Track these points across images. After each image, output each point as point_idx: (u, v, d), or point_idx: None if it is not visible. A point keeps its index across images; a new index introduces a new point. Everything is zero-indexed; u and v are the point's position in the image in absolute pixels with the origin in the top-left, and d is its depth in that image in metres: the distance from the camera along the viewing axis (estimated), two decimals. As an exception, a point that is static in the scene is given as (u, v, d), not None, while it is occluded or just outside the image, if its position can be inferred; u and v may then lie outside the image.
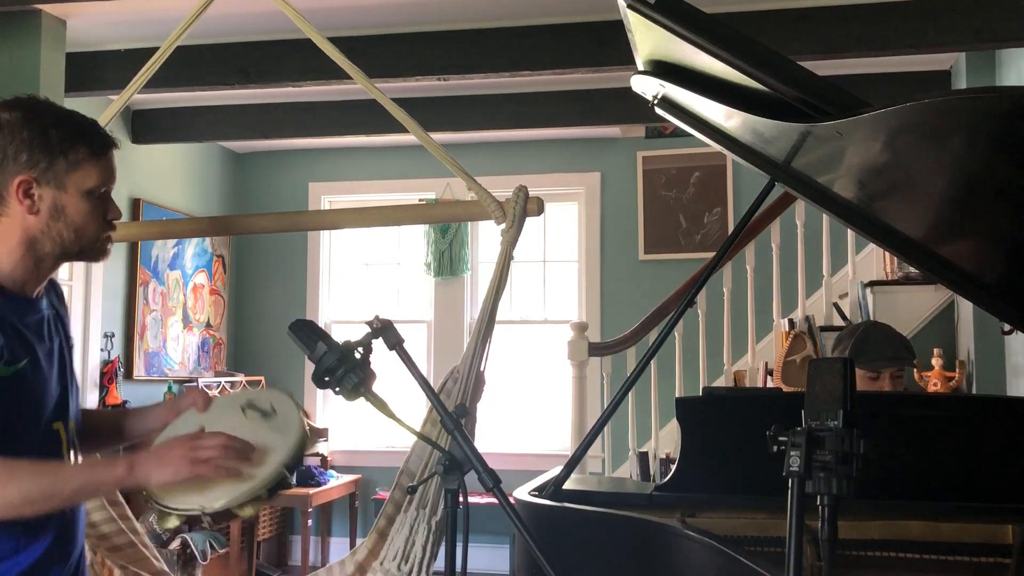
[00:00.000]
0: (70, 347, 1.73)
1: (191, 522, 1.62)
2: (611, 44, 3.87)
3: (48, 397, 1.61)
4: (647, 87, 2.28)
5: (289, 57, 4.18)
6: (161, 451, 1.58)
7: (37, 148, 1.58)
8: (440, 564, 1.62)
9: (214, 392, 5.75)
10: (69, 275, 4.93)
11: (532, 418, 6.24)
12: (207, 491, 1.58)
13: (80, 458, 1.69)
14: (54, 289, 1.75)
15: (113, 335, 5.37)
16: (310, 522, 5.51)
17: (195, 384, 5.74)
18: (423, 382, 1.55)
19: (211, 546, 5.14)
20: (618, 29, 2.20)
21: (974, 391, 4.24)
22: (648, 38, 2.03)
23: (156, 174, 5.76)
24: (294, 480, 5.53)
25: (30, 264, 1.61)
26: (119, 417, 1.85)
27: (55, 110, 1.64)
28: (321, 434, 6.20)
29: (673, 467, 2.23)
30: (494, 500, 1.49)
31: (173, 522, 1.61)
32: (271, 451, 1.64)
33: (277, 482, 1.62)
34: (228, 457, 1.56)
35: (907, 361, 2.87)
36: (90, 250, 1.65)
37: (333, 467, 6.22)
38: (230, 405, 1.77)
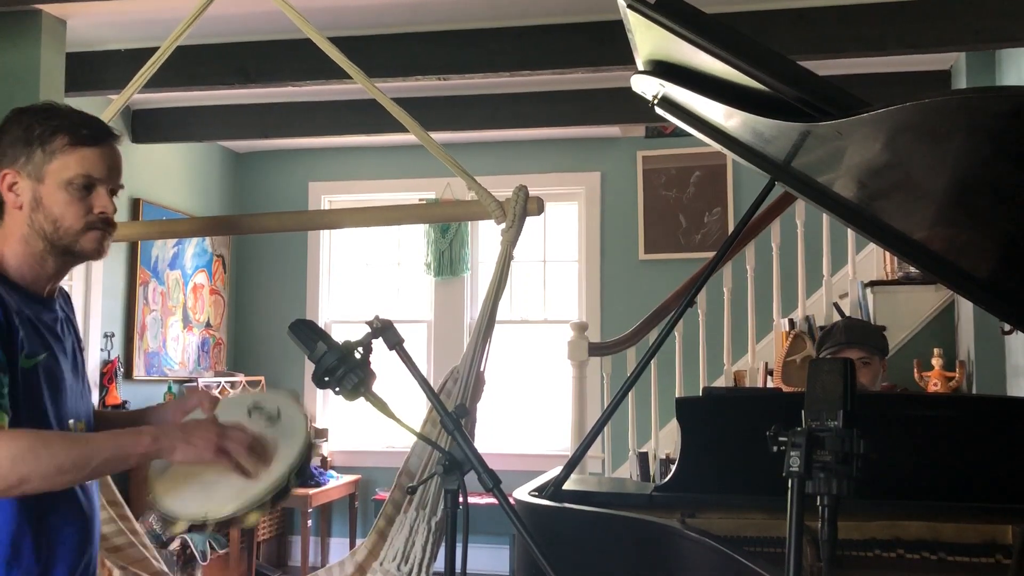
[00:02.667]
0: (81, 349, 1.75)
1: (195, 527, 1.60)
2: (611, 44, 3.87)
3: (66, 393, 1.62)
4: (647, 87, 2.28)
5: (289, 57, 4.18)
6: (189, 428, 1.57)
7: (20, 142, 1.59)
8: (440, 564, 1.62)
9: (215, 392, 5.76)
10: (69, 275, 4.92)
11: (532, 418, 6.24)
12: (212, 496, 1.57)
13: None
14: (63, 295, 1.76)
15: (113, 335, 5.37)
16: (310, 522, 5.51)
17: (195, 384, 5.73)
18: (423, 382, 1.55)
19: (211, 546, 5.14)
20: (618, 29, 2.20)
21: (974, 391, 4.24)
22: (648, 38, 2.03)
23: (156, 174, 5.76)
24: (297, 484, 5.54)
25: (32, 263, 1.62)
26: (128, 418, 1.84)
27: (50, 109, 1.63)
28: (321, 435, 6.20)
29: (673, 467, 2.23)
30: (494, 500, 1.49)
31: (180, 527, 1.60)
32: (276, 457, 1.64)
33: (282, 489, 1.62)
34: (249, 456, 1.56)
35: (867, 348, 2.86)
36: (75, 244, 1.61)
37: (333, 467, 6.22)
38: (236, 406, 1.77)
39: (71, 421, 1.64)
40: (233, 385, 6.03)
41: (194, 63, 4.23)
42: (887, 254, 4.62)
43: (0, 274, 1.59)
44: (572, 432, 4.46)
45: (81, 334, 1.79)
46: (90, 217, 1.61)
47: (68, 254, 1.63)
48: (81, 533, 1.63)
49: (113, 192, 1.66)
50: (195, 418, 1.74)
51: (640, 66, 2.21)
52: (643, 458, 4.52)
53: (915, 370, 4.25)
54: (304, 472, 1.65)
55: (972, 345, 4.26)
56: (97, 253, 1.65)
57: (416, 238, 6.47)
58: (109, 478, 1.97)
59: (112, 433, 1.57)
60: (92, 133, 1.62)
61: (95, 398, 5.14)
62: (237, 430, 1.59)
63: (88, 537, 1.66)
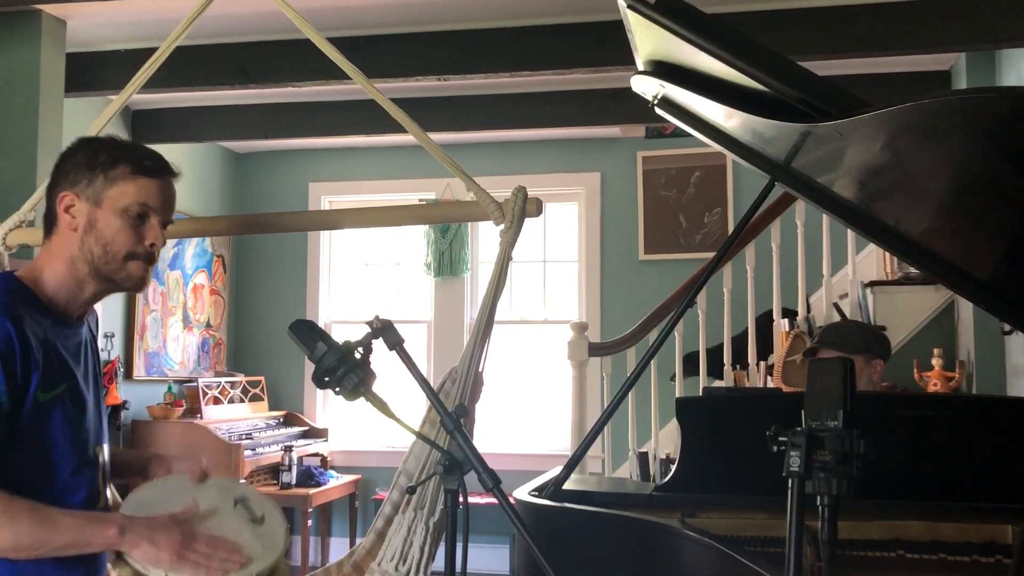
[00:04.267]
0: (100, 371, 1.76)
1: None
2: (611, 44, 3.87)
3: (88, 421, 1.63)
4: (647, 87, 2.28)
5: (289, 57, 4.18)
6: (156, 530, 1.57)
7: (83, 167, 1.64)
8: (440, 564, 1.62)
9: (216, 393, 5.75)
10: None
11: (532, 418, 6.24)
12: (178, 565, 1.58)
13: (108, 488, 1.71)
14: (92, 313, 1.77)
15: (113, 335, 5.37)
16: (310, 522, 5.51)
17: (195, 384, 5.74)
18: (423, 382, 1.55)
19: (211, 546, 5.13)
20: (618, 29, 2.20)
21: (974, 391, 4.24)
22: (648, 38, 2.03)
23: (156, 174, 5.75)
24: (293, 472, 5.55)
25: (72, 285, 1.64)
26: (143, 461, 1.87)
27: (118, 142, 1.69)
28: (321, 435, 6.20)
29: (673, 467, 2.23)
30: (494, 500, 1.49)
31: (124, 572, 1.60)
32: (250, 561, 1.64)
33: None
34: (212, 567, 1.56)
35: (838, 348, 2.83)
36: (119, 272, 1.63)
37: (333, 467, 6.22)
38: (224, 491, 1.77)
39: (97, 447, 1.65)
40: (233, 385, 6.03)
41: (194, 63, 4.23)
42: (887, 254, 4.62)
43: (34, 296, 1.60)
44: (572, 432, 4.46)
45: (98, 347, 1.80)
46: (139, 247, 1.64)
47: (109, 282, 1.65)
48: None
49: (164, 225, 1.69)
50: (177, 485, 1.75)
51: (640, 66, 2.21)
52: (643, 458, 4.52)
53: (915, 370, 4.25)
54: None
55: (972, 345, 4.26)
56: (140, 283, 1.67)
57: (416, 238, 6.47)
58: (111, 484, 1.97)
59: (82, 519, 1.56)
60: (154, 165, 1.67)
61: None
62: (209, 543, 1.58)
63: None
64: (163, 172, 1.68)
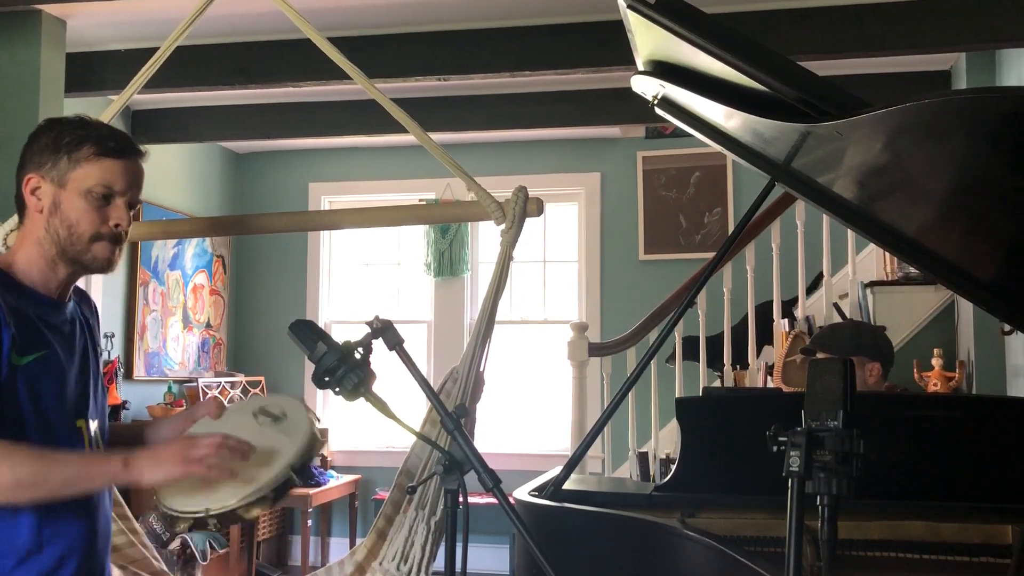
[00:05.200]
0: (97, 353, 1.75)
1: (198, 525, 1.61)
2: (611, 44, 3.87)
3: (67, 391, 1.62)
4: (647, 87, 2.28)
5: (289, 57, 4.18)
6: (156, 450, 1.58)
7: (48, 149, 1.63)
8: (440, 564, 1.62)
9: (216, 393, 5.75)
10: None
11: (532, 418, 6.24)
12: (213, 493, 1.58)
13: None
14: (86, 301, 1.77)
15: (113, 335, 5.37)
16: (310, 522, 5.51)
17: (195, 384, 5.74)
18: (423, 382, 1.55)
19: (211, 546, 5.14)
20: (618, 29, 2.20)
21: (974, 391, 4.24)
22: (648, 38, 2.03)
23: (156, 174, 5.74)
24: (300, 482, 5.54)
25: (43, 266, 1.64)
26: (140, 430, 1.85)
27: (82, 121, 1.67)
28: (322, 435, 6.20)
29: (673, 467, 2.23)
30: (494, 500, 1.49)
31: (182, 525, 1.61)
32: (279, 453, 1.65)
33: (283, 483, 1.63)
34: (221, 455, 1.55)
35: (827, 351, 2.83)
36: (85, 253, 1.63)
37: (333, 467, 6.22)
38: (242, 411, 1.79)
39: (79, 421, 1.64)
40: (233, 385, 6.03)
41: (194, 63, 4.23)
42: (887, 254, 4.62)
43: (8, 276, 1.62)
44: (572, 432, 4.46)
45: (99, 338, 1.79)
46: (104, 228, 1.64)
47: (77, 263, 1.65)
48: (88, 532, 1.63)
49: (131, 206, 1.68)
50: (201, 427, 1.75)
51: (640, 66, 2.21)
52: (643, 458, 4.52)
53: (915, 370, 4.25)
54: (306, 469, 1.66)
55: (972, 345, 4.26)
56: (107, 265, 1.67)
57: (416, 238, 6.47)
58: None
59: (81, 455, 1.57)
60: (118, 145, 1.65)
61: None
62: (208, 436, 1.58)
63: (94, 535, 1.66)
64: (128, 153, 1.66)
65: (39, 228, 1.63)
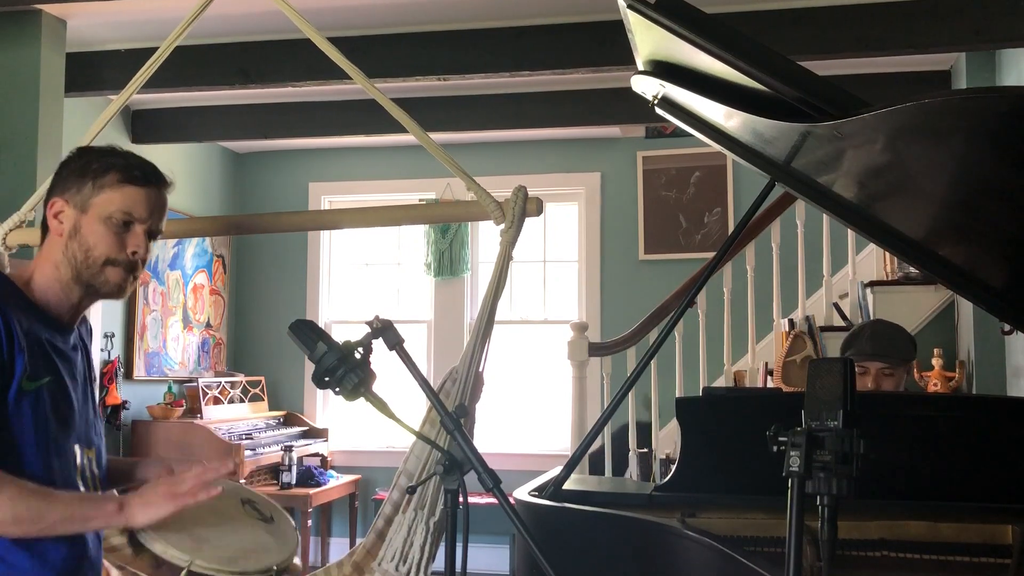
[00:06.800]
0: (93, 379, 1.76)
1: (166, 569, 1.63)
2: (611, 44, 3.87)
3: (72, 419, 1.63)
4: (647, 87, 2.28)
5: (289, 57, 4.18)
6: (145, 491, 1.60)
7: (75, 175, 1.67)
8: (440, 564, 1.62)
9: (214, 392, 5.75)
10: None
11: (532, 418, 6.24)
12: (199, 548, 1.60)
13: (97, 490, 1.71)
14: (84, 324, 1.78)
15: (113, 335, 5.37)
16: (310, 522, 5.51)
17: (195, 384, 5.74)
18: (423, 382, 1.55)
19: (211, 546, 5.13)
20: (618, 29, 2.20)
21: (974, 391, 4.24)
22: (648, 38, 2.03)
23: (156, 174, 5.75)
24: (293, 472, 5.54)
25: (58, 290, 1.65)
26: (130, 464, 1.87)
27: (114, 151, 1.70)
28: (321, 435, 6.21)
29: (673, 467, 2.23)
30: (494, 500, 1.49)
31: (144, 560, 1.62)
32: (266, 550, 1.67)
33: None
34: (205, 477, 1.59)
35: (893, 359, 2.85)
36: (99, 277, 1.64)
37: (333, 467, 6.22)
38: (232, 492, 1.80)
39: (77, 447, 1.64)
40: (233, 385, 6.03)
41: (194, 63, 4.23)
42: (887, 254, 4.62)
43: (23, 296, 1.63)
44: (572, 432, 4.45)
45: (94, 360, 1.81)
46: (120, 254, 1.65)
47: (90, 287, 1.66)
48: (78, 550, 1.63)
49: (152, 235, 1.70)
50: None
51: (640, 66, 2.21)
52: (643, 458, 4.52)
53: (915, 370, 4.25)
54: None
55: (972, 345, 4.26)
56: (119, 291, 1.68)
57: (416, 238, 6.47)
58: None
59: (80, 495, 1.59)
60: (143, 174, 1.68)
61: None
62: (189, 472, 1.61)
63: (84, 550, 1.65)
64: (152, 181, 1.70)
65: (57, 251, 1.65)
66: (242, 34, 4.22)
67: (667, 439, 4.69)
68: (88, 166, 1.66)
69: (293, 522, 1.82)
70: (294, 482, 5.60)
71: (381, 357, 1.53)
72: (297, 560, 1.73)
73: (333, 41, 2.36)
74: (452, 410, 1.55)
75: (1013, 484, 2.03)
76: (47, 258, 1.66)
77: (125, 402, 5.23)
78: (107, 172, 1.65)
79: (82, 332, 1.76)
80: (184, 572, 1.58)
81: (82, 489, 1.64)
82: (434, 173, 6.14)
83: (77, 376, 1.68)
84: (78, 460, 1.64)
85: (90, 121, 2.52)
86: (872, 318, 4.45)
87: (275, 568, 1.64)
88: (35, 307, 1.63)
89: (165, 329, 5.81)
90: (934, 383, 4.19)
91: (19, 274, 1.67)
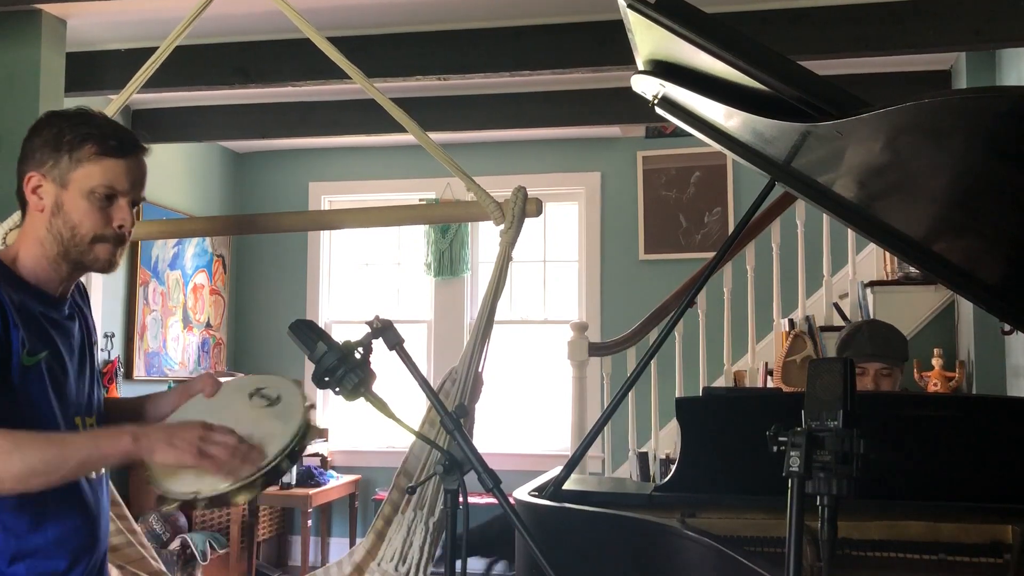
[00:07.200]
0: (92, 344, 1.74)
1: (186, 505, 1.60)
2: (611, 44, 3.87)
3: (69, 391, 1.63)
4: (647, 87, 2.28)
5: (289, 57, 4.18)
6: (173, 431, 1.54)
7: (49, 147, 1.61)
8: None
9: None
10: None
11: (532, 418, 6.24)
12: (204, 475, 1.57)
13: None
14: (79, 291, 1.76)
15: (113, 335, 5.37)
16: (310, 522, 5.51)
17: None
18: (423, 382, 1.55)
19: (211, 546, 5.14)
20: (618, 29, 2.20)
21: (974, 391, 4.24)
22: (648, 38, 2.03)
23: (156, 174, 5.68)
24: (293, 472, 5.53)
25: (46, 265, 1.63)
26: (138, 404, 1.84)
27: (83, 115, 1.65)
28: (321, 433, 6.21)
29: (673, 467, 2.23)
30: (494, 500, 1.49)
31: (172, 505, 1.61)
32: (271, 439, 1.63)
33: (273, 469, 1.60)
34: (233, 458, 1.54)
35: (890, 360, 2.87)
36: (87, 254, 1.62)
37: (333, 467, 6.22)
38: (238, 390, 1.77)
39: (77, 418, 1.64)
40: (233, 385, 6.02)
41: (194, 63, 4.22)
42: (887, 254, 4.62)
43: (11, 272, 1.61)
44: (572, 432, 4.46)
45: (94, 327, 1.78)
46: (107, 229, 1.62)
47: (79, 263, 1.65)
48: (86, 531, 1.63)
49: (134, 204, 1.67)
50: (195, 404, 1.74)
51: (640, 66, 2.21)
52: (643, 458, 4.52)
53: (915, 370, 4.25)
54: (297, 456, 1.64)
55: (972, 345, 4.26)
56: (108, 265, 1.65)
57: (416, 238, 6.47)
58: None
59: (90, 434, 1.56)
60: (119, 144, 1.63)
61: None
62: (224, 434, 1.55)
63: (94, 535, 1.66)
64: (130, 151, 1.64)
65: (41, 227, 1.62)
66: (241, 34, 4.22)
67: (667, 439, 4.69)
68: (61, 137, 1.60)
69: (299, 390, 1.74)
70: (294, 482, 5.59)
71: (381, 357, 1.53)
72: (310, 423, 1.68)
73: (333, 41, 2.37)
74: (452, 410, 1.55)
75: (1013, 484, 2.03)
76: (30, 234, 1.63)
77: (125, 402, 5.23)
78: (83, 144, 1.59)
79: (77, 299, 1.73)
80: (200, 503, 1.56)
81: None
82: (434, 173, 6.14)
83: (74, 345, 1.66)
84: (80, 430, 1.63)
85: (90, 121, 2.51)
86: (872, 318, 4.45)
87: (282, 452, 1.60)
88: (25, 283, 1.60)
89: (165, 329, 5.81)
90: (934, 383, 4.19)
91: (5, 253, 1.64)
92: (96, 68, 4.36)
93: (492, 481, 1.47)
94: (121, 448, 1.50)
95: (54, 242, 1.61)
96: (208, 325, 6.30)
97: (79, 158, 1.60)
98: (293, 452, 1.63)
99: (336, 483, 5.89)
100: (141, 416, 1.80)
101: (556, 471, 2.35)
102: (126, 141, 1.64)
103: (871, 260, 4.96)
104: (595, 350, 4.58)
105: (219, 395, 1.75)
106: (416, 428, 1.76)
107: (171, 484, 1.58)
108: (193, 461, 1.51)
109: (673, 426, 4.44)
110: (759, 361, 4.67)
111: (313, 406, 1.75)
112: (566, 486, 2.28)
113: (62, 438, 1.52)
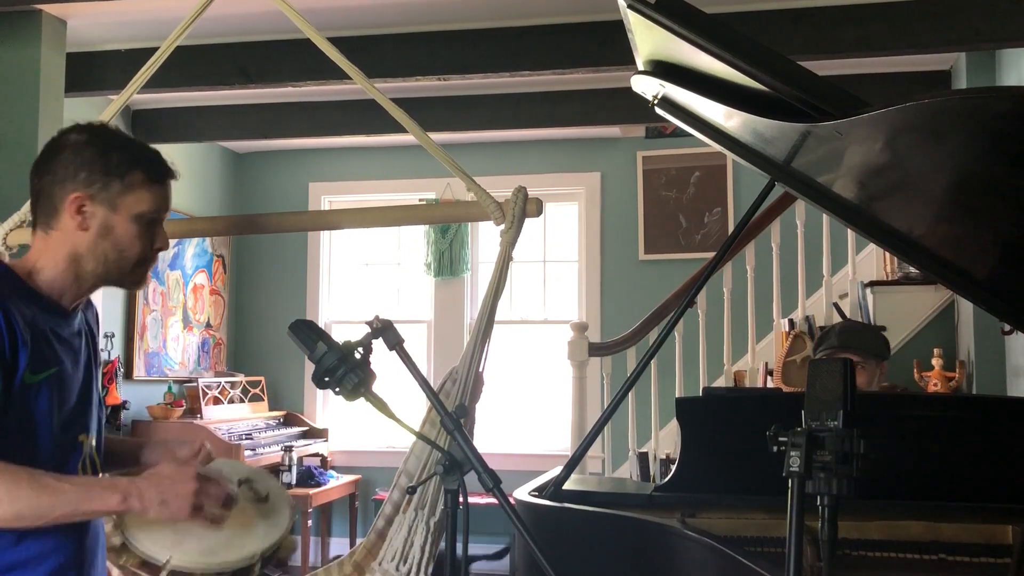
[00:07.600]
0: (98, 363, 1.75)
1: (148, 567, 1.59)
2: (611, 44, 3.87)
3: (74, 408, 1.62)
4: (647, 87, 2.28)
5: (289, 57, 4.18)
6: (165, 488, 1.52)
7: (96, 168, 1.63)
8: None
9: (214, 392, 5.75)
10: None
11: (532, 418, 6.24)
12: (181, 543, 1.56)
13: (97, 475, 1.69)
14: (90, 307, 1.77)
15: (113, 335, 5.37)
16: (310, 522, 5.51)
17: (195, 384, 5.74)
18: (423, 382, 1.55)
19: (211, 546, 5.13)
20: (618, 29, 2.20)
21: (974, 391, 4.24)
22: (648, 38, 2.03)
23: (156, 174, 5.75)
24: (293, 472, 5.53)
25: (70, 279, 1.64)
26: (136, 448, 1.85)
27: (119, 135, 1.71)
28: (321, 435, 6.21)
29: (673, 467, 2.23)
30: (494, 500, 1.49)
31: (134, 561, 1.58)
32: (252, 535, 1.64)
33: (245, 568, 1.60)
34: (223, 513, 1.56)
35: (859, 352, 2.83)
36: (130, 275, 1.68)
37: (333, 467, 6.22)
38: (230, 471, 1.76)
39: (80, 435, 1.63)
40: (233, 385, 6.03)
41: (194, 63, 4.23)
42: (887, 254, 4.62)
43: (25, 285, 1.60)
44: (572, 432, 4.45)
45: (99, 343, 1.79)
46: (150, 252, 1.69)
47: (113, 281, 1.68)
48: (71, 548, 1.60)
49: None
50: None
51: (640, 66, 2.21)
52: (643, 458, 4.52)
53: (915, 370, 4.25)
54: (271, 561, 1.64)
55: (972, 345, 4.26)
56: (140, 284, 1.73)
57: (416, 238, 6.47)
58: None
59: (84, 487, 1.53)
60: (164, 172, 1.72)
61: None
62: (217, 487, 1.56)
63: (79, 552, 1.63)
64: (170, 177, 1.74)
65: (78, 246, 1.62)
66: (242, 34, 4.22)
67: (667, 439, 4.69)
68: (108, 159, 1.63)
69: (288, 498, 1.77)
70: (294, 482, 5.60)
71: (381, 357, 1.53)
72: (290, 536, 1.70)
73: (333, 41, 2.37)
74: (452, 410, 1.55)
75: (1013, 484, 2.03)
76: (59, 249, 1.62)
77: (125, 402, 5.23)
78: (132, 169, 1.65)
79: (88, 317, 1.74)
80: (164, 572, 1.54)
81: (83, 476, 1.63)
82: (434, 173, 6.14)
83: (80, 362, 1.66)
84: (81, 448, 1.63)
85: (90, 121, 2.51)
86: (872, 318, 4.46)
87: (260, 554, 1.60)
88: (38, 296, 1.60)
89: (165, 329, 5.81)
90: (934, 383, 4.19)
91: (20, 264, 1.64)
92: (96, 68, 4.36)
93: (492, 481, 1.47)
94: (112, 505, 1.51)
95: (96, 262, 1.63)
96: (208, 325, 6.30)
97: (131, 183, 1.64)
98: (270, 557, 1.63)
99: (336, 483, 5.89)
100: (137, 461, 1.82)
101: (556, 471, 2.35)
102: (167, 169, 1.74)
103: (871, 260, 4.96)
104: (595, 350, 4.58)
105: (209, 469, 1.72)
106: (416, 428, 1.76)
107: (143, 537, 1.56)
108: (187, 515, 1.52)
109: (673, 426, 4.44)
110: (759, 361, 4.67)
111: (298, 515, 1.76)
112: (566, 486, 2.28)
113: (56, 487, 1.48)
